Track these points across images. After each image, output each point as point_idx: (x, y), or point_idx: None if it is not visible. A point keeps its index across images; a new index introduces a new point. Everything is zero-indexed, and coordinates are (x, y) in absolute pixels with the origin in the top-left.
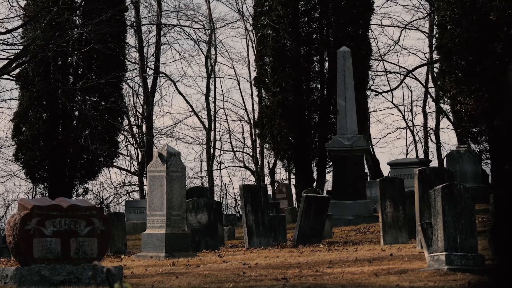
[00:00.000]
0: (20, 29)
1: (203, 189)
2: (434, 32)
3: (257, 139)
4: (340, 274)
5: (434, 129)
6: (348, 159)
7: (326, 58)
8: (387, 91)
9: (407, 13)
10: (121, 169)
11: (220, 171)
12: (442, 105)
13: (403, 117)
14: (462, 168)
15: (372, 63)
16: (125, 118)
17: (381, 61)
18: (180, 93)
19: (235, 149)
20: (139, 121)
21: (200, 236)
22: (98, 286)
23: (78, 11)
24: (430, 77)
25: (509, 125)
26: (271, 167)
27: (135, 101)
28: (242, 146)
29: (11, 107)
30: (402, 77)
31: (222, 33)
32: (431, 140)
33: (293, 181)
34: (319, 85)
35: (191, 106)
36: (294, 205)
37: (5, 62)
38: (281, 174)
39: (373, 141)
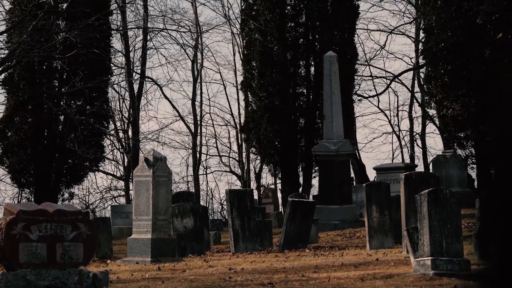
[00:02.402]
0: (5, 34)
1: (189, 194)
2: (420, 37)
3: (243, 144)
4: (326, 279)
5: (420, 134)
6: (334, 164)
7: (312, 63)
8: (373, 96)
9: (393, 18)
10: (107, 173)
11: (206, 176)
12: (428, 110)
13: (389, 122)
14: (448, 173)
15: (358, 67)
16: (111, 122)
17: (367, 66)
18: (166, 97)
19: (221, 154)
20: (125, 125)
21: (186, 241)
22: None
23: (62, 16)
24: (416, 82)
25: (503, 128)
26: (257, 171)
27: (121, 105)
28: (228, 151)
29: None
30: (388, 82)
31: (208, 37)
32: (417, 145)
33: (279, 186)
34: (305, 90)
35: (177, 111)
36: (280, 210)
37: None
38: (267, 178)
39: (359, 146)
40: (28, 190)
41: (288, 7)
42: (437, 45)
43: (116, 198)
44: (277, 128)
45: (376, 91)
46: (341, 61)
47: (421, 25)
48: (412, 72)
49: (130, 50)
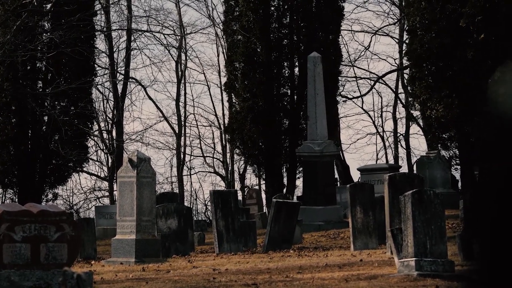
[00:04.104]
0: None
1: (173, 195)
2: (404, 38)
3: (227, 145)
4: (310, 280)
5: (404, 134)
6: (318, 165)
7: (297, 64)
8: (357, 97)
9: (377, 19)
10: (91, 174)
11: (190, 177)
12: (412, 111)
13: (373, 122)
14: (431, 173)
15: (342, 68)
16: (95, 123)
17: (352, 67)
18: (150, 98)
19: (205, 155)
20: (109, 126)
21: (170, 242)
22: None
23: (47, 16)
24: (400, 83)
25: (495, 128)
26: (241, 172)
27: (105, 106)
28: (212, 152)
29: None
30: (372, 82)
31: (193, 38)
32: (401, 145)
33: (263, 187)
34: (289, 91)
35: (161, 112)
36: (264, 211)
37: None
38: (251, 179)
39: (343, 147)
40: (11, 191)
41: (272, 8)
42: (421, 46)
43: (100, 199)
44: (261, 129)
45: (360, 92)
46: (325, 62)
47: (405, 26)
48: (396, 73)
49: (114, 50)
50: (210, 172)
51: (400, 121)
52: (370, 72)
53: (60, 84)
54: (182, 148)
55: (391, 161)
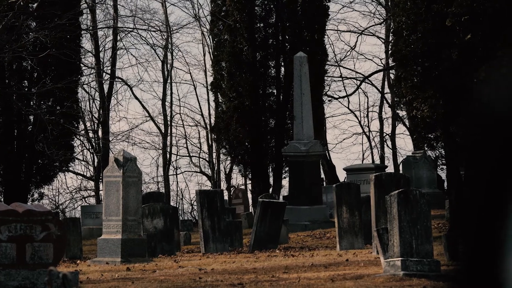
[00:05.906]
0: None
1: (159, 194)
2: (390, 38)
3: (214, 144)
4: (296, 280)
5: (390, 134)
6: (304, 165)
7: (282, 64)
8: (343, 97)
9: (363, 19)
10: (77, 174)
11: (176, 176)
12: (398, 111)
13: (359, 122)
14: (417, 173)
15: (328, 68)
16: (81, 123)
17: (338, 67)
18: (136, 98)
19: (191, 154)
20: (95, 126)
21: (156, 241)
22: None
23: (32, 15)
24: (386, 83)
25: (471, 131)
26: (227, 172)
27: (91, 106)
28: (199, 151)
29: None
30: (358, 82)
31: (179, 38)
32: (387, 145)
33: (249, 186)
34: (275, 91)
35: (148, 111)
36: (251, 210)
37: None
38: (237, 179)
39: (329, 147)
40: None
41: (257, 8)
42: (405, 47)
43: (86, 199)
44: (247, 128)
45: (346, 92)
46: (312, 62)
47: (391, 26)
48: (382, 73)
49: (100, 50)
50: (196, 172)
51: (386, 121)
52: (356, 72)
53: (46, 84)
54: (168, 147)
55: (377, 161)
